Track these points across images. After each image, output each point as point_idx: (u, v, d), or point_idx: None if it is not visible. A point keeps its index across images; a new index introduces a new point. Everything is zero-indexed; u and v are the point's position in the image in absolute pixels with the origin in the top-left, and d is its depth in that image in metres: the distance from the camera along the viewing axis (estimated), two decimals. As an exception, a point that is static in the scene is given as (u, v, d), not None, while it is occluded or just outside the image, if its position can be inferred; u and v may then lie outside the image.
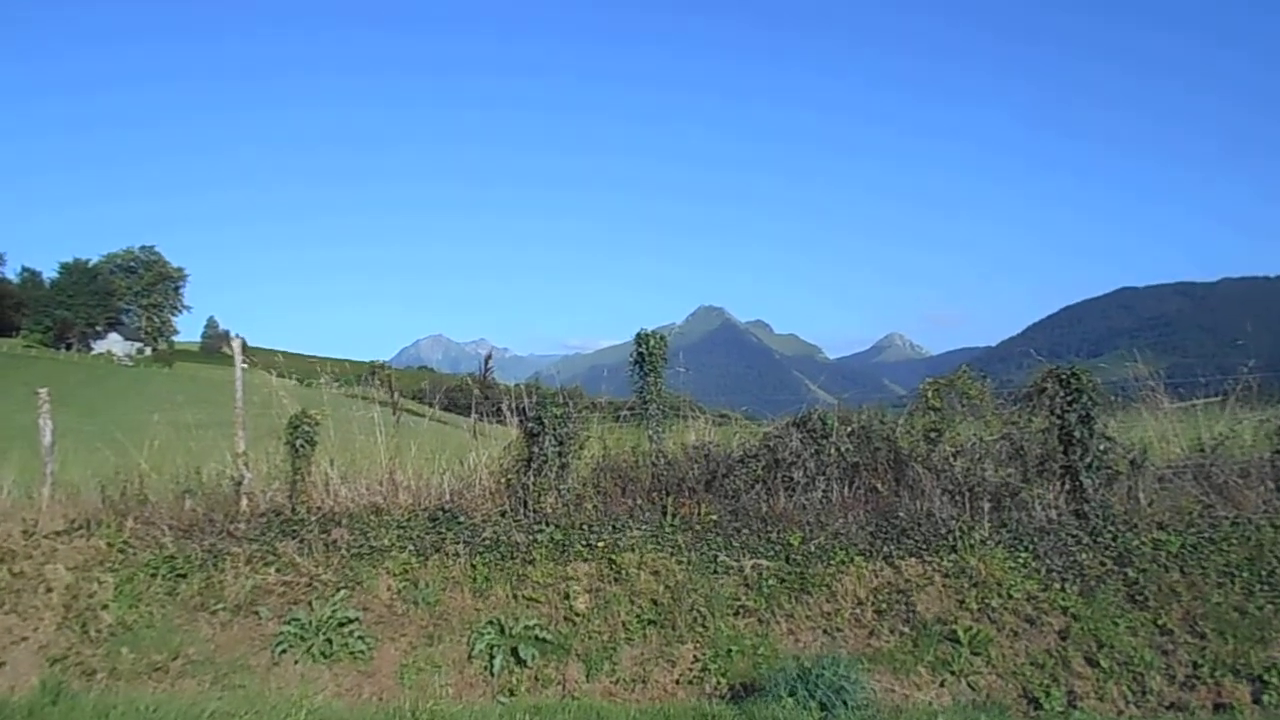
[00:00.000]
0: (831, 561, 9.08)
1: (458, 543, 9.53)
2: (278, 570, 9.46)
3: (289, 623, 8.79)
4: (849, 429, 9.69)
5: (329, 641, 8.61)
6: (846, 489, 9.57)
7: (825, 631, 8.62)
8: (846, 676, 6.99)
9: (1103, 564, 8.80)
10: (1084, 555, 8.86)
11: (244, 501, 10.33)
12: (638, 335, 10.34)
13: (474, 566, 9.37)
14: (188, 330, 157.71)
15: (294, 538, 9.74)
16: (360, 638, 8.71)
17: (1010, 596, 8.60)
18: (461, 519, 9.74)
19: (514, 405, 10.73)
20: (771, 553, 9.23)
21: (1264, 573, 8.44)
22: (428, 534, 9.67)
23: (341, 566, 9.43)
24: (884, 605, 8.72)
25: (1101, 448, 9.25)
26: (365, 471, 10.50)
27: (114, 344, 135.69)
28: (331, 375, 12.90)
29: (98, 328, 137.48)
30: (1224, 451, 9.68)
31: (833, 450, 9.55)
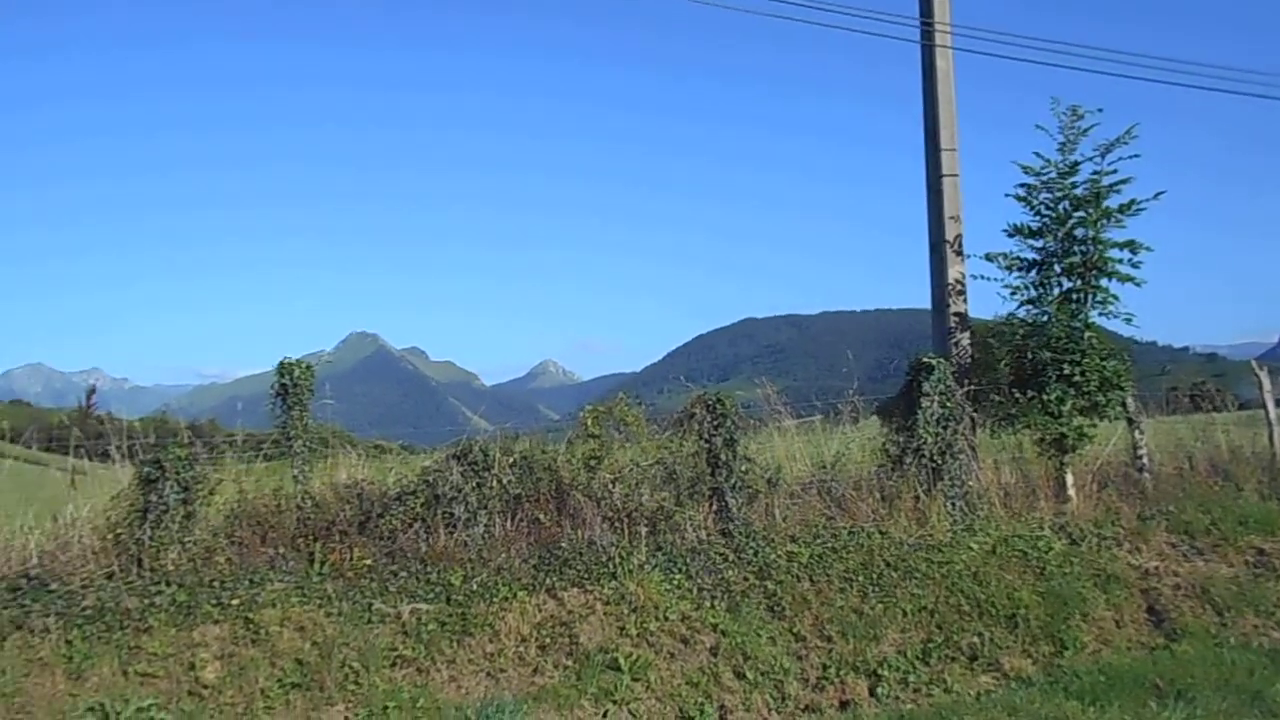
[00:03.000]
0: (494, 599, 8.76)
1: (47, 615, 7.87)
2: None
3: None
4: (511, 459, 9.49)
5: None
6: (510, 522, 9.34)
7: (489, 674, 8.25)
8: (512, 723, 6.69)
9: (746, 579, 9.39)
10: (730, 572, 9.40)
11: None
12: (280, 364, 9.35)
13: (69, 643, 7.78)
14: None
15: None
16: (-98, 752, 6.85)
17: (666, 619, 8.85)
18: (54, 586, 8.09)
19: (125, 446, 9.22)
20: (432, 595, 8.71)
21: (875, 576, 9.49)
22: (5, 609, 7.89)
23: (-126, 661, 7.40)
24: (547, 640, 8.57)
25: (744, 468, 9.91)
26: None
27: None
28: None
29: None
30: (840, 468, 10.84)
31: (494, 483, 9.28)
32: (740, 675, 8.47)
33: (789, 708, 8.34)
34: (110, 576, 8.29)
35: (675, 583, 9.20)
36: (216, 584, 8.39)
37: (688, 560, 9.39)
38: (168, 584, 8.29)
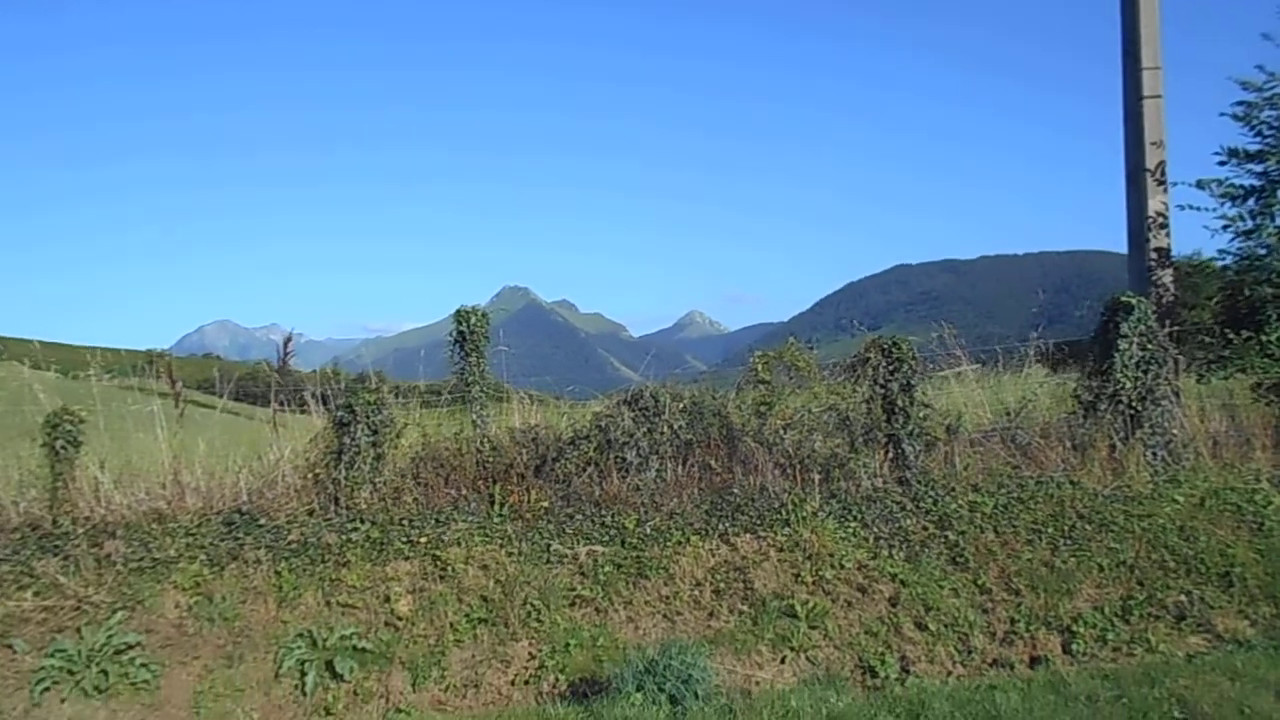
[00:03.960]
0: (668, 543, 8.81)
1: (259, 548, 8.50)
2: (36, 594, 8.08)
3: (52, 655, 7.50)
4: (680, 405, 9.44)
5: (104, 673, 7.41)
6: (680, 467, 9.32)
7: (665, 616, 8.33)
8: (694, 664, 6.70)
9: (925, 528, 9.04)
10: (908, 521, 9.06)
11: (-12, 516, 8.79)
12: (458, 312, 9.60)
13: (279, 574, 8.38)
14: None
15: (56, 554, 8.36)
16: (143, 665, 7.56)
17: (843, 567, 8.65)
18: (262, 521, 8.71)
19: (319, 393, 9.74)
20: (606, 538, 8.85)
21: (1066, 528, 8.93)
22: (222, 541, 8.57)
23: (118, 584, 8.18)
24: (722, 585, 8.55)
25: (921, 415, 9.49)
26: (144, 474, 9.19)
27: None
28: (102, 366, 11.26)
29: None
30: (1025, 415, 10.22)
31: (665, 428, 9.27)
32: (922, 626, 8.18)
33: (975, 661, 8.00)
34: (311, 513, 8.84)
35: (850, 531, 8.96)
36: (405, 522, 8.80)
37: (863, 508, 9.12)
38: (362, 521, 8.77)
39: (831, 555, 8.73)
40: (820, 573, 8.60)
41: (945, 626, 8.19)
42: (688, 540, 8.84)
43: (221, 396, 12.05)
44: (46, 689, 7.31)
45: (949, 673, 7.91)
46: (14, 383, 10.02)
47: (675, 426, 9.28)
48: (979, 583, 8.54)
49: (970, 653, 8.05)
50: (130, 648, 7.66)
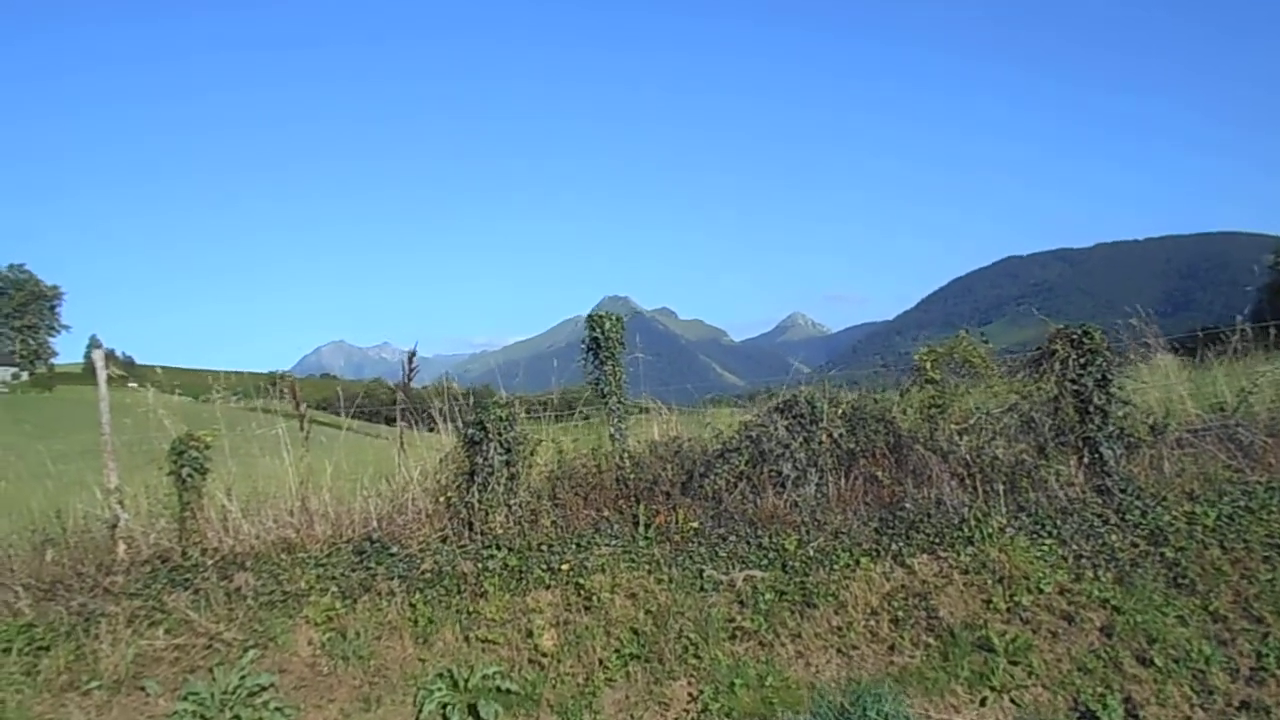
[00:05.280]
0: (835, 566, 7.83)
1: (391, 578, 7.93)
2: (167, 631, 7.69)
3: (186, 698, 7.03)
4: (839, 410, 8.44)
5: (237, 718, 6.91)
6: (843, 480, 8.33)
7: (839, 651, 7.34)
8: (894, 713, 5.71)
9: (1135, 545, 7.79)
10: (1114, 537, 7.83)
11: (121, 548, 8.50)
12: (590, 318, 8.87)
13: (413, 606, 7.78)
14: (68, 351, 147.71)
15: (186, 588, 7.98)
16: (278, 709, 7.01)
17: (1041, 591, 7.50)
18: (394, 550, 8.15)
19: (445, 410, 9.15)
20: (765, 561, 7.93)
21: (1312, 543, 7.56)
22: (354, 571, 8.04)
23: (248, 620, 7.72)
24: (901, 613, 7.51)
25: (1121, 413, 8.24)
26: (271, 500, 8.76)
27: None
28: (226, 389, 10.98)
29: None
30: (1246, 410, 8.81)
31: (824, 437, 8.30)
32: (1145, 661, 6.96)
33: (1217, 704, 6.73)
34: (444, 540, 8.23)
35: (1045, 549, 7.79)
36: (544, 547, 8.09)
37: (1058, 522, 7.94)
38: (498, 547, 8.10)
39: (1026, 578, 7.59)
40: (1015, 598, 7.47)
41: (1174, 661, 6.94)
42: (857, 563, 7.84)
43: (341, 415, 11.66)
44: (180, 735, 6.85)
45: (1187, 717, 6.68)
46: (140, 409, 9.79)
47: (835, 435, 8.29)
48: (1210, 609, 7.25)
49: (1210, 693, 6.78)
50: (264, 689, 7.15)
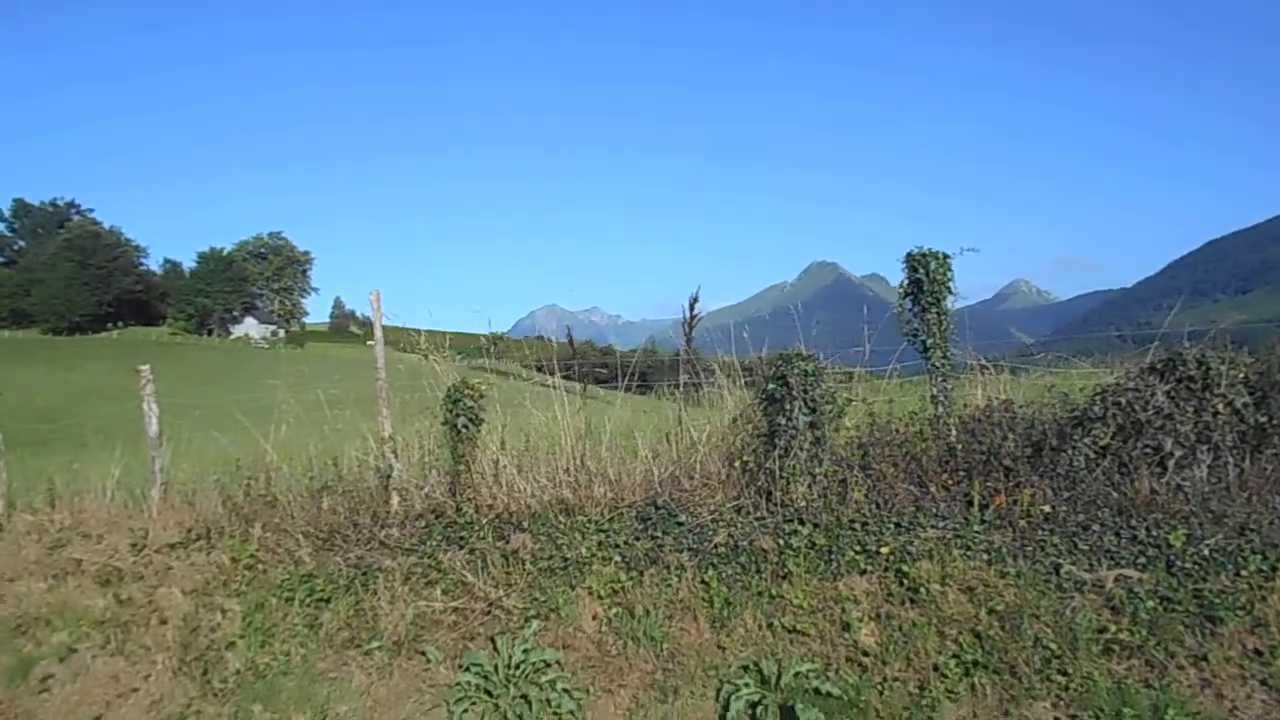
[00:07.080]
0: (1242, 572, 6.09)
1: (680, 550, 6.98)
2: (444, 592, 7.14)
3: (468, 669, 6.44)
4: (1240, 375, 6.61)
5: (524, 698, 6.20)
6: (1248, 462, 6.52)
7: (1263, 683, 5.65)
8: None
9: None
10: None
11: (394, 500, 8.09)
12: (908, 256, 7.46)
13: (706, 584, 6.80)
14: (317, 311, 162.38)
15: (462, 547, 7.42)
16: (565, 691, 6.27)
17: None
18: (682, 518, 7.19)
19: (726, 365, 8.10)
20: (1143, 559, 6.30)
21: None
22: (638, 539, 7.16)
23: (528, 587, 7.03)
24: (1353, 639, 5.71)
25: None
26: (546, 456, 8.07)
27: (250, 328, 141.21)
28: (453, 350, 10.45)
29: (234, 313, 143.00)
30: None
31: (1221, 406, 6.51)
32: None
33: None
34: (739, 510, 7.18)
35: None
36: (857, 525, 6.86)
37: None
38: (802, 522, 6.95)
39: None
40: None
41: None
42: (1274, 569, 6.06)
43: (583, 379, 10.84)
44: (465, 710, 6.23)
45: None
46: (399, 365, 9.38)
47: (1238, 405, 6.48)
48: None
49: None
50: (548, 666, 6.43)
